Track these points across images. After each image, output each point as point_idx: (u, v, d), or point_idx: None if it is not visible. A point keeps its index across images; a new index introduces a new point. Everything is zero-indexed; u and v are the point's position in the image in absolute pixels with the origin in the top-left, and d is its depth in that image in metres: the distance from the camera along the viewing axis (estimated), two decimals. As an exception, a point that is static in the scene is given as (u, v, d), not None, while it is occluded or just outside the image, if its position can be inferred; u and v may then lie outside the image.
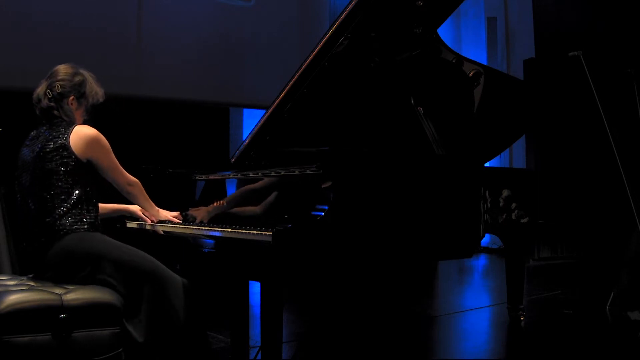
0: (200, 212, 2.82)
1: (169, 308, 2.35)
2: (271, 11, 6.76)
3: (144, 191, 2.69)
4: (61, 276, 2.38)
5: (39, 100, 2.55)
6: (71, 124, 2.51)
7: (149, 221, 2.77)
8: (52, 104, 2.53)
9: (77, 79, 2.59)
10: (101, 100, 2.66)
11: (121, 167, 2.57)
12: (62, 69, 2.60)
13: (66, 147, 2.43)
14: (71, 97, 2.56)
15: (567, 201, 3.28)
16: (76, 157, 2.43)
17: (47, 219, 2.40)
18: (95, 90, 2.64)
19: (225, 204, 2.77)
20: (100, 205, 2.69)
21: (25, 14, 5.32)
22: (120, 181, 2.58)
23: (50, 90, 2.54)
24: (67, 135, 2.45)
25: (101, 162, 2.50)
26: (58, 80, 2.55)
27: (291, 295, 2.16)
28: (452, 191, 2.54)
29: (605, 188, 5.60)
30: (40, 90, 2.56)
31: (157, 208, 2.74)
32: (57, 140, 2.44)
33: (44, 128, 2.53)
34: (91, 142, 2.46)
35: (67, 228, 2.40)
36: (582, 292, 5.13)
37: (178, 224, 2.70)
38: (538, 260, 7.05)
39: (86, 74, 2.64)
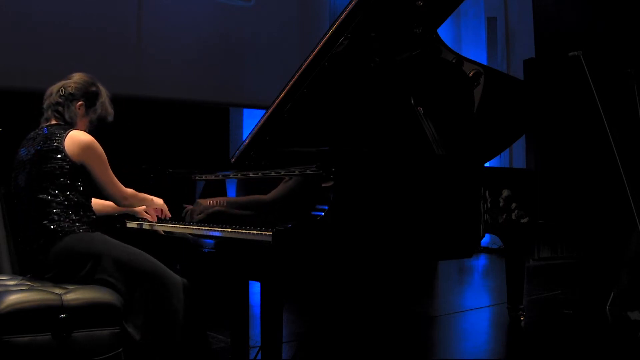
0: (199, 210, 2.82)
1: (168, 308, 2.35)
2: (271, 11, 6.76)
3: (139, 195, 2.69)
4: (62, 276, 2.38)
5: (50, 94, 2.58)
6: (68, 128, 2.51)
7: (153, 219, 2.78)
8: (60, 100, 2.56)
9: (92, 89, 2.62)
10: (109, 119, 2.67)
11: (116, 180, 2.56)
12: (81, 75, 2.63)
13: (61, 150, 2.43)
14: (80, 102, 2.57)
15: (567, 201, 3.28)
16: (71, 160, 2.43)
17: (45, 222, 2.40)
18: (107, 107, 2.66)
19: (225, 203, 2.77)
20: (104, 202, 2.70)
21: (25, 14, 5.32)
22: (116, 196, 2.57)
23: (64, 89, 2.57)
24: (62, 138, 2.45)
25: (95, 172, 2.49)
26: (74, 82, 2.59)
27: (291, 295, 2.16)
28: (452, 191, 2.54)
29: (605, 188, 5.60)
30: (55, 87, 2.60)
31: (150, 197, 2.75)
32: (53, 143, 2.44)
33: (41, 129, 2.53)
34: (85, 148, 2.46)
35: (66, 229, 2.40)
36: (582, 292, 5.13)
37: (178, 223, 2.70)
38: (538, 260, 7.05)
39: (103, 90, 2.66)
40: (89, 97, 2.60)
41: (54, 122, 2.56)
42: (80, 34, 5.55)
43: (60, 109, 2.55)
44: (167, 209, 2.80)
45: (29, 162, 2.46)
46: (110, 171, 2.53)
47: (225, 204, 2.75)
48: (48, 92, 2.60)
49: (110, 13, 5.76)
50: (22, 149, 2.54)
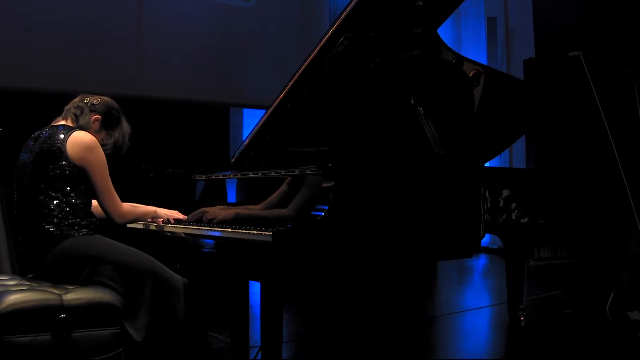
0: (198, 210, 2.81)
1: (168, 308, 2.35)
2: (271, 11, 6.77)
3: (137, 211, 2.64)
4: (60, 278, 2.37)
5: (75, 100, 2.60)
6: (72, 129, 2.48)
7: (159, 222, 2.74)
8: (81, 105, 2.57)
9: (114, 113, 2.63)
10: (122, 152, 2.66)
11: (113, 192, 2.50)
12: (110, 99, 2.65)
13: (62, 151, 2.40)
14: (97, 116, 2.57)
15: (567, 201, 3.28)
16: (72, 162, 2.40)
17: (44, 224, 2.38)
18: (125, 139, 2.66)
19: (225, 203, 2.77)
20: (127, 205, 2.61)
21: (25, 13, 5.32)
22: (111, 210, 2.51)
23: (89, 99, 2.59)
24: (65, 139, 2.42)
25: (93, 175, 2.44)
26: (100, 98, 2.61)
27: (291, 295, 2.16)
28: (452, 191, 2.54)
29: (605, 188, 5.59)
30: (82, 95, 2.62)
31: (153, 209, 2.70)
32: (55, 144, 2.41)
33: (46, 129, 2.51)
34: (86, 148, 2.43)
35: (65, 232, 2.38)
36: (582, 292, 5.13)
37: (178, 223, 2.70)
38: (538, 260, 7.05)
39: (125, 124, 2.67)
40: (108, 117, 2.59)
41: (63, 122, 2.54)
42: (80, 34, 5.56)
43: (77, 112, 2.56)
44: (174, 215, 2.72)
45: (30, 163, 2.45)
46: (109, 180, 2.48)
47: (225, 204, 2.75)
48: (75, 98, 2.63)
49: (110, 13, 5.77)
50: (25, 149, 2.52)
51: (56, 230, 2.38)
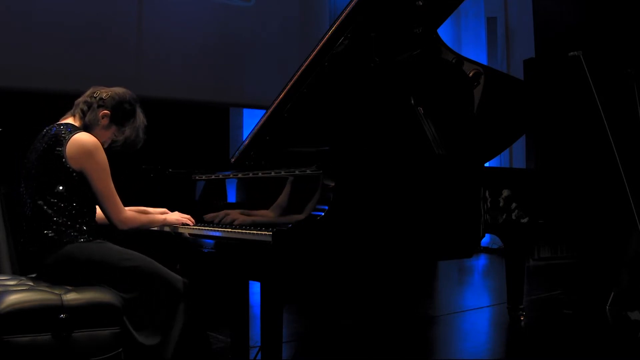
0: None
1: (169, 309, 2.35)
2: (271, 11, 6.76)
3: (142, 218, 2.52)
4: (61, 282, 2.34)
5: (85, 94, 2.51)
6: (75, 130, 2.40)
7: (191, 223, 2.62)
8: (89, 100, 2.48)
9: (126, 106, 2.52)
10: (136, 147, 2.56)
11: (116, 197, 2.40)
12: (124, 90, 2.54)
13: (62, 155, 2.33)
14: (106, 112, 2.47)
15: (567, 201, 3.28)
16: (71, 167, 2.34)
17: (44, 230, 2.34)
18: (138, 134, 2.55)
19: (225, 204, 2.77)
20: (131, 210, 2.52)
21: (25, 13, 5.32)
22: (112, 216, 2.41)
23: (98, 92, 2.50)
24: (65, 142, 2.35)
25: (93, 180, 2.36)
26: (111, 91, 2.51)
27: (291, 295, 2.16)
28: (452, 191, 2.54)
29: (605, 188, 5.60)
30: (93, 88, 2.53)
31: (162, 218, 2.58)
32: (56, 147, 2.35)
33: (52, 127, 2.44)
34: (85, 151, 2.34)
35: (65, 239, 2.35)
36: (582, 292, 5.13)
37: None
38: (538, 260, 7.05)
39: (140, 115, 2.57)
40: (118, 112, 2.49)
41: (71, 119, 2.48)
42: (81, 34, 5.55)
43: (85, 108, 2.47)
44: (186, 218, 2.61)
45: (33, 165, 2.40)
46: (111, 184, 2.40)
47: (225, 204, 2.75)
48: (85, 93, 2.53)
49: (110, 13, 5.76)
50: (32, 148, 2.45)
51: (55, 236, 2.35)
